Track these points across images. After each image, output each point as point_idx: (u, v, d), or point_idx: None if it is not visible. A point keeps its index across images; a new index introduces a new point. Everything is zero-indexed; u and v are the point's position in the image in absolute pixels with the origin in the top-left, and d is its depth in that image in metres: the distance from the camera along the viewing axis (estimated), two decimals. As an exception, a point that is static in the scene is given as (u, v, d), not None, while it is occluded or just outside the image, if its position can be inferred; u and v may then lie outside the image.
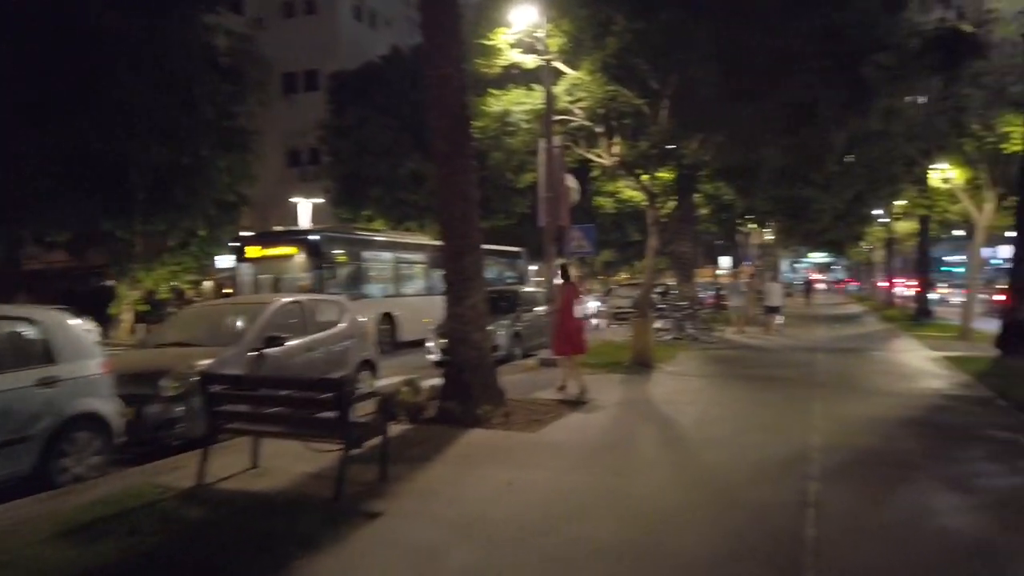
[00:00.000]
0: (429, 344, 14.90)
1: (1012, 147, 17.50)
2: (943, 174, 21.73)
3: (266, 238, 18.25)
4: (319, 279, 16.07)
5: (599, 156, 15.68)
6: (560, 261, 12.25)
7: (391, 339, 18.06)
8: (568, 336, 10.31)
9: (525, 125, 14.09)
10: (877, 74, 13.06)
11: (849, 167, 20.65)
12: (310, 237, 17.01)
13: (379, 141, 27.29)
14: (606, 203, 27.83)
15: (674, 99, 13.81)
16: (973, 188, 19.87)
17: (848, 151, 15.16)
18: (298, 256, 16.73)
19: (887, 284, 40.03)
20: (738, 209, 27.12)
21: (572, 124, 14.98)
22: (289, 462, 6.29)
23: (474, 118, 14.41)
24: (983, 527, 4.88)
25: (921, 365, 13.81)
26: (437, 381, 9.03)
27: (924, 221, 26.42)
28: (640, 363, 12.90)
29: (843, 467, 6.38)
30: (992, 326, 28.03)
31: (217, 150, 23.57)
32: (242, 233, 21.16)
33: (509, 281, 24.46)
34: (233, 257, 17.79)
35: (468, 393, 8.56)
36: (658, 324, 15.03)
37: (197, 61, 22.04)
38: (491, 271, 23.75)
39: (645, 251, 42.34)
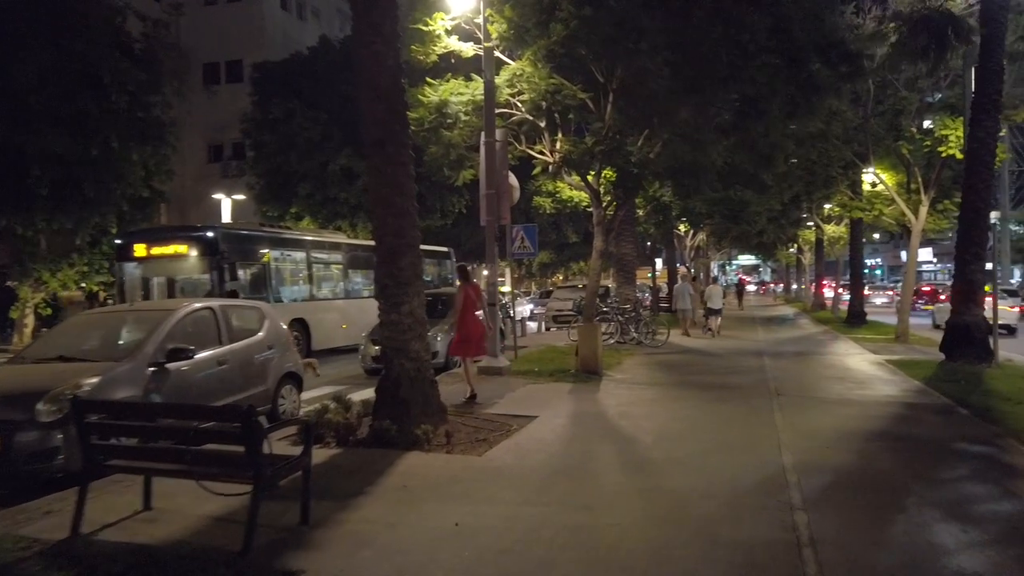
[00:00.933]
0: (362, 350, 13.84)
1: (949, 150, 17.62)
2: (875, 177, 21.96)
3: (155, 235, 16.43)
4: (217, 281, 14.42)
5: (542, 153, 14.94)
6: (460, 263, 11.52)
7: (304, 348, 16.73)
8: (467, 338, 10.15)
9: (464, 117, 13.23)
10: (826, 72, 12.75)
11: (789, 169, 20.57)
12: (206, 234, 15.11)
13: (307, 136, 25.88)
14: (545, 203, 27.23)
15: (620, 93, 13.21)
16: (911, 191, 20.02)
17: (790, 152, 14.87)
18: (192, 255, 14.92)
19: (816, 286, 40.74)
20: (676, 210, 27.00)
21: (513, 119, 14.19)
22: (190, 502, 5.23)
23: (409, 108, 13.54)
24: (1005, 570, 4.27)
25: (869, 370, 13.56)
26: (370, 395, 8.06)
27: (856, 224, 26.70)
28: (588, 371, 12.19)
29: (826, 493, 5.74)
30: (918, 323, 28.70)
31: (130, 141, 21.82)
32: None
33: (439, 283, 23.42)
34: (118, 257, 15.70)
35: (405, 411, 7.63)
36: (601, 328, 14.32)
37: (105, 45, 20.33)
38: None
39: (584, 253, 42.00)
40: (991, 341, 13.31)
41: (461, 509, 5.28)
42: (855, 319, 26.23)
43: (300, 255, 17.79)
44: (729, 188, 25.65)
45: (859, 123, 19.33)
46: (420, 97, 13.30)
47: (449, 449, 7.14)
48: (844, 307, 35.59)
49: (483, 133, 12.49)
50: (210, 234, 14.89)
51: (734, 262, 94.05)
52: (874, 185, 22.71)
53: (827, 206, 34.11)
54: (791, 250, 54.62)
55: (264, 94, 27.43)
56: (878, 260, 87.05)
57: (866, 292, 42.20)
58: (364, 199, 26.49)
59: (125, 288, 15.16)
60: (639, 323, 18.18)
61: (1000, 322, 28.05)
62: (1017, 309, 34.24)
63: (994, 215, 22.97)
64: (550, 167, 14.89)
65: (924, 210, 19.27)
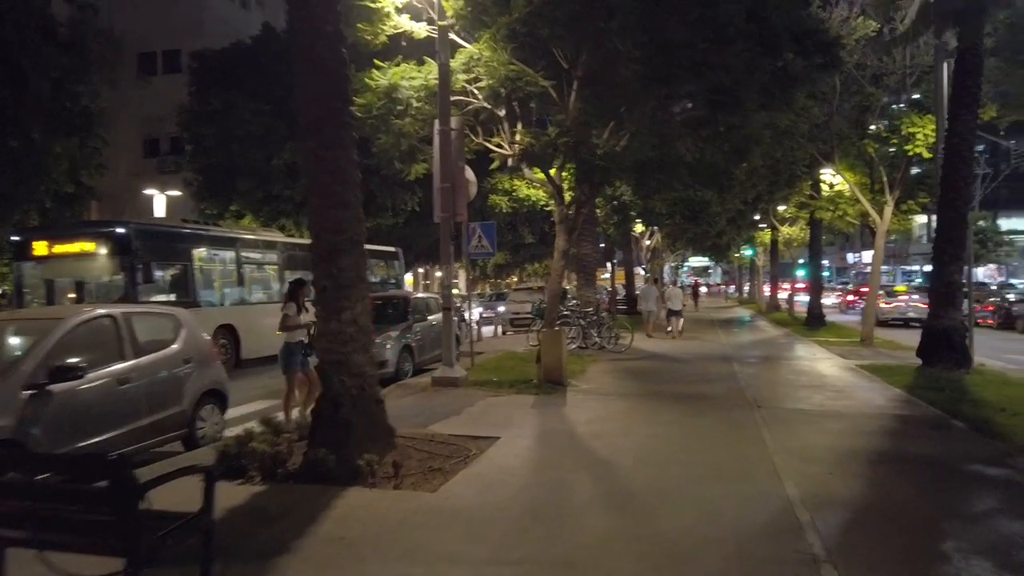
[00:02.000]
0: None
1: (916, 149, 17.19)
2: (833, 177, 21.55)
3: (58, 231, 14.61)
4: (131, 284, 12.89)
5: (500, 146, 13.90)
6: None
7: (232, 357, 15.35)
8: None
9: (416, 104, 12.10)
10: (801, 62, 12.00)
11: (753, 168, 19.96)
12: (116, 230, 13.40)
13: (248, 129, 24.33)
14: (502, 202, 26.27)
15: (586, 81, 12.25)
16: (874, 191, 19.59)
17: (766, 146, 14.13)
18: (100, 254, 13.24)
19: (772, 288, 40.66)
20: (636, 210, 26.27)
21: (470, 107, 13.12)
22: None
23: (356, 93, 12.34)
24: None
25: (844, 377, 12.89)
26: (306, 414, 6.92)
27: (815, 225, 26.37)
28: (551, 381, 11.19)
29: (848, 537, 4.83)
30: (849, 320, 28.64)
31: (53, 133, 20.12)
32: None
33: (386, 285, 22.15)
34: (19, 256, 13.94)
35: (346, 436, 6.49)
36: (565, 334, 13.35)
37: (25, 28, 18.62)
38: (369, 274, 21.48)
39: (541, 254, 41.03)
40: (969, 346, 12.79)
41: (412, 571, 4.20)
42: (814, 321, 25.88)
43: (229, 254, 16.29)
44: (699, 183, 25.04)
45: (824, 120, 18.80)
46: (368, 81, 12.12)
47: (397, 483, 6.03)
48: (799, 309, 35.51)
49: (437, 121, 11.39)
50: (121, 230, 13.26)
51: (686, 264, 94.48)
52: (832, 187, 22.34)
53: (781, 208, 34.02)
54: (746, 252, 54.78)
55: (202, 85, 25.77)
56: (825, 262, 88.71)
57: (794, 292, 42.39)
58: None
59: (23, 292, 13.46)
60: (602, 327, 17.29)
61: (912, 316, 29.55)
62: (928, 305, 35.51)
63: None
64: (509, 161, 13.86)
65: (889, 210, 18.85)
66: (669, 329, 21.29)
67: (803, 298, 41.39)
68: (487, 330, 24.18)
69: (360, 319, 6.82)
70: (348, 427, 6.56)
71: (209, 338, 8.42)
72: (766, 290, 54.34)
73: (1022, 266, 66.79)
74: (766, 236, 41.66)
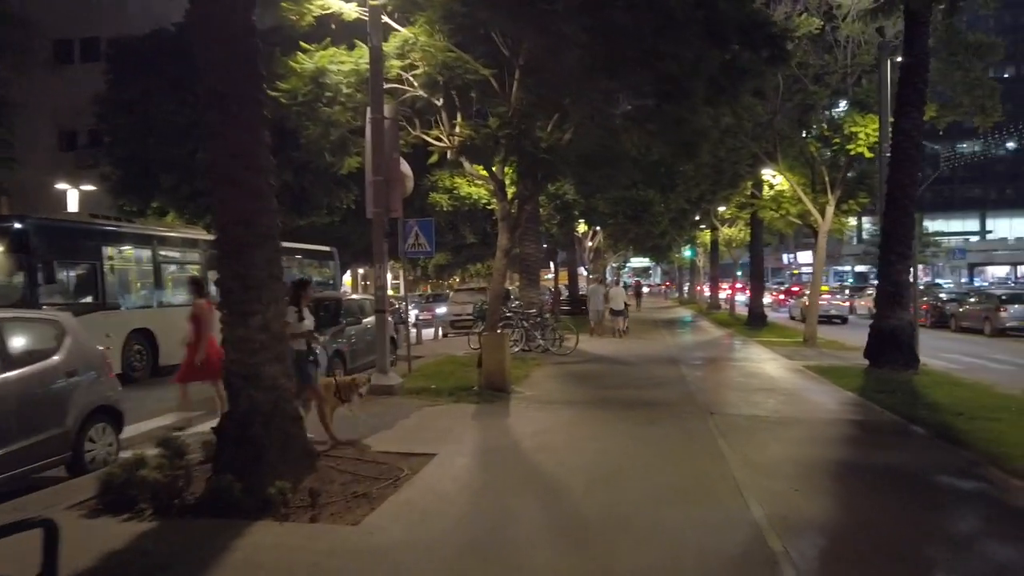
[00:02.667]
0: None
1: (858, 148, 17.14)
2: (774, 177, 21.51)
3: None
4: (30, 285, 11.64)
5: (439, 139, 13.12)
6: (195, 274, 9.76)
7: (149, 364, 14.17)
8: (208, 361, 9.04)
9: (346, 90, 11.21)
10: (749, 54, 11.60)
11: (698, 166, 19.69)
12: (13, 225, 12.13)
13: (171, 120, 22.82)
14: (442, 200, 25.43)
15: (528, 70, 11.59)
16: (816, 191, 19.54)
17: (715, 140, 13.75)
18: None
19: (712, 288, 40.93)
20: (578, 209, 25.82)
21: (405, 96, 12.30)
22: None
23: (280, 78, 11.40)
24: None
25: (793, 379, 12.56)
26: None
27: (756, 225, 26.43)
28: (493, 388, 10.47)
29: (830, 570, 4.26)
30: (782, 316, 28.96)
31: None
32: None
33: (321, 286, 21.04)
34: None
35: (256, 459, 5.64)
36: (508, 337, 12.65)
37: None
38: (293, 275, 20.31)
39: (483, 254, 40.32)
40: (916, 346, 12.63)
41: (319, 638, 3.41)
42: (756, 321, 25.91)
43: (145, 253, 15.03)
44: (645, 180, 24.75)
45: (768, 118, 18.62)
46: (293, 64, 11.18)
47: (314, 515, 5.20)
48: (740, 309, 35.73)
49: (369, 109, 10.54)
50: (18, 225, 11.94)
51: (628, 265, 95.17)
52: (771, 187, 22.32)
53: (721, 208, 34.17)
54: (686, 252, 55.21)
55: (120, 72, 24.12)
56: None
57: (735, 292, 42.97)
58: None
59: None
60: (546, 329, 16.67)
61: (834, 313, 30.63)
62: (848, 303, 36.66)
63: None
64: (448, 154, 13.08)
65: (831, 210, 18.80)
66: (617, 329, 21.49)
67: (741, 297, 42.06)
68: (428, 333, 23.28)
69: (273, 325, 5.96)
70: (258, 449, 5.70)
71: (103, 348, 7.37)
72: (706, 290, 55.10)
73: (947, 266, 69.55)
74: (706, 236, 41.97)
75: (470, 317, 22.18)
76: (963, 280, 65.57)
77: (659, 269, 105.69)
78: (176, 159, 23.41)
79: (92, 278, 13.50)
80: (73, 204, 24.53)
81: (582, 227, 33.55)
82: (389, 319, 14.72)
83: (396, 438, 7.69)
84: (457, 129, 12.23)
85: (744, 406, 9.80)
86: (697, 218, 35.49)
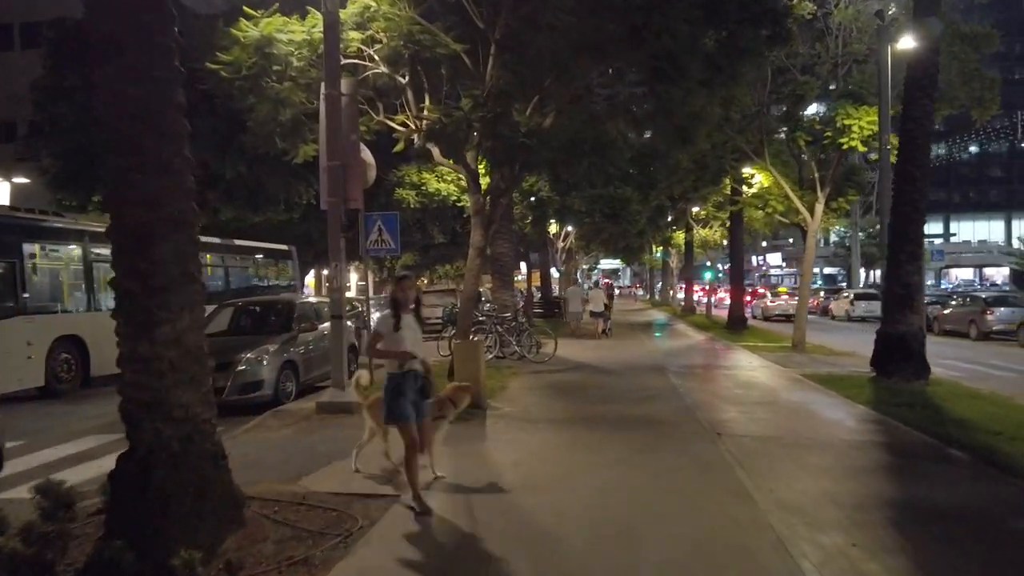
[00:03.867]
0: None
1: (851, 142, 16.17)
2: (756, 175, 20.58)
3: None
4: None
5: (404, 124, 11.80)
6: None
7: (79, 374, 12.62)
8: None
9: (297, 63, 9.82)
10: (749, 31, 10.49)
11: (679, 161, 18.62)
12: None
13: (116, 108, 21.08)
14: (409, 196, 24.03)
15: (505, 45, 10.32)
16: (804, 188, 18.60)
17: (713, 126, 12.60)
18: None
19: (686, 290, 40.05)
20: (553, 207, 24.62)
21: (366, 74, 10.96)
22: None
23: (221, 49, 9.98)
24: None
25: (796, 390, 11.45)
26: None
27: (736, 225, 25.47)
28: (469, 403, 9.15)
29: None
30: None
31: None
32: None
33: (278, 288, 19.54)
34: None
35: (162, 514, 4.29)
36: (483, 345, 11.35)
37: None
38: (248, 276, 18.80)
39: (451, 255, 38.98)
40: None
41: None
42: (736, 325, 24.94)
43: (75, 251, 13.43)
44: (637, 169, 23.66)
45: (756, 110, 17.62)
46: (235, 32, 9.76)
47: (232, 596, 3.87)
48: (718, 313, 34.91)
49: (323, 84, 9.16)
50: None
51: (598, 266, 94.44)
52: (750, 185, 21.38)
53: (696, 208, 33.29)
54: (657, 253, 54.36)
55: (60, 57, 22.28)
56: (729, 265, 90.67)
57: (721, 295, 42.32)
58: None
59: None
60: (522, 334, 15.40)
61: (791, 312, 29.83)
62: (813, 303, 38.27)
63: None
64: (416, 140, 11.75)
65: (820, 208, 17.85)
66: (601, 330, 21.48)
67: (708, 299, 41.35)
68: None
69: (187, 338, 4.60)
70: (163, 501, 4.35)
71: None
72: (679, 292, 54.34)
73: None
74: (680, 237, 41.10)
75: (439, 321, 20.81)
76: (929, 283, 65.91)
77: (628, 271, 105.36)
78: (120, 150, 21.68)
79: (10, 279, 11.89)
80: (4, 198, 22.63)
81: (553, 227, 32.41)
82: (349, 324, 13.34)
83: (348, 472, 6.35)
84: (425, 112, 10.90)
85: (752, 424, 8.62)
86: (670, 218, 34.56)
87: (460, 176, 25.08)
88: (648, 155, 11.46)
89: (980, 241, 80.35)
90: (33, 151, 24.42)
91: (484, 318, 15.61)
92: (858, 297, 35.88)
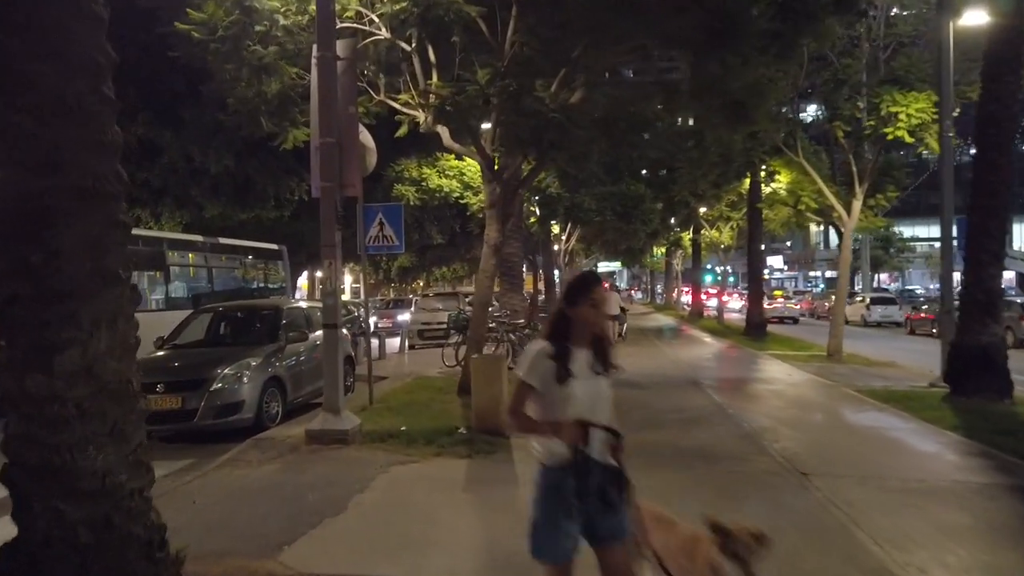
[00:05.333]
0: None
1: (897, 132, 14.69)
2: (776, 172, 19.13)
3: None
4: None
5: (409, 103, 10.27)
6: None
7: None
8: None
9: (284, 21, 8.27)
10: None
11: (703, 154, 17.13)
12: None
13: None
14: (408, 192, 22.47)
15: (528, 6, 8.79)
16: (838, 183, 17.13)
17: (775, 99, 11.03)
18: None
19: (694, 294, 38.54)
20: (563, 205, 23.10)
21: (367, 41, 9.42)
22: None
23: (194, 6, 8.42)
24: None
25: (860, 412, 9.90)
26: None
27: (755, 224, 23.93)
28: (488, 430, 7.61)
29: None
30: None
31: None
32: None
33: (267, 291, 17.92)
34: None
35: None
36: (505, 360, 9.74)
37: None
38: (233, 278, 17.19)
39: (449, 256, 37.47)
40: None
41: None
42: (755, 330, 23.41)
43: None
44: (681, 150, 22.22)
45: (789, 98, 16.14)
46: (210, -15, 8.20)
47: None
48: (729, 318, 33.51)
49: (315, 46, 7.60)
50: None
51: (596, 268, 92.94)
52: (775, 181, 19.91)
53: (702, 209, 31.78)
54: (657, 255, 52.89)
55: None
56: (729, 268, 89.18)
57: (723, 298, 41.05)
58: (171, 180, 20.46)
59: None
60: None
61: (786, 315, 31.50)
62: (800, 305, 39.52)
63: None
64: (421, 123, 10.21)
65: (858, 206, 16.36)
66: (617, 333, 20.05)
67: (712, 303, 40.03)
68: (392, 343, 20.15)
69: (103, 368, 3.05)
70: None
71: None
72: (684, 296, 52.88)
73: (917, 272, 68.55)
74: (686, 238, 39.57)
75: (441, 326, 19.23)
76: (932, 286, 64.62)
77: (625, 273, 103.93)
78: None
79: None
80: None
81: (555, 227, 30.89)
82: (345, 333, 11.79)
83: (347, 538, 4.79)
84: (433, 85, 9.35)
85: (836, 459, 7.08)
86: (672, 220, 33.04)
87: (463, 171, 23.64)
88: (689, 133, 9.76)
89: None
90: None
91: (494, 324, 14.04)
92: (874, 301, 34.54)
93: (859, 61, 15.59)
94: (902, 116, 14.54)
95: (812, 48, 11.43)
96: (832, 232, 68.88)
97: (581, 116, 8.63)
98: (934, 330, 25.91)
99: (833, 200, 16.58)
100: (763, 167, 18.74)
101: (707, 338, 24.16)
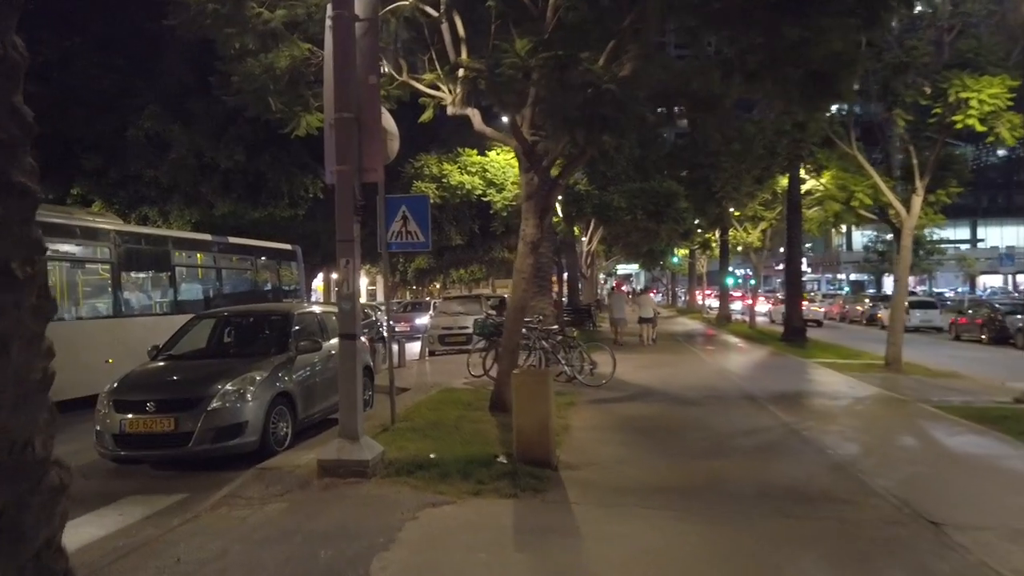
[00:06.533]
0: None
1: (967, 120, 13.33)
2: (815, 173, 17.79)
3: None
4: None
5: (436, 87, 9.12)
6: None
7: None
8: None
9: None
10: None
11: (749, 145, 15.84)
12: None
13: (96, 89, 18.54)
14: (429, 189, 21.32)
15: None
16: (897, 177, 15.79)
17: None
18: None
19: (723, 297, 37.11)
20: (591, 204, 21.86)
21: (389, 7, 8.26)
22: None
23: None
24: None
25: (955, 435, 8.58)
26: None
27: (795, 225, 22.53)
28: (532, 459, 6.40)
29: None
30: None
31: None
32: None
33: (280, 294, 16.81)
34: None
35: None
36: (550, 376, 8.49)
37: None
38: (244, 279, 16.11)
39: (468, 258, 36.46)
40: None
41: None
42: (795, 335, 22.06)
43: None
44: (648, 178, 21.22)
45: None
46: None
47: None
48: (763, 323, 32.18)
49: (330, 4, 6.42)
50: None
51: (615, 270, 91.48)
52: (816, 178, 18.56)
53: (731, 209, 30.39)
54: (676, 258, 51.35)
55: (33, 31, 19.71)
56: (748, 271, 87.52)
57: (749, 301, 39.68)
58: (180, 176, 19.46)
59: None
60: (571, 350, 12.59)
61: (811, 317, 28.24)
62: (824, 309, 39.24)
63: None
64: (450, 104, 9.04)
65: (918, 202, 14.98)
66: (641, 336, 20.67)
67: (735, 306, 38.75)
68: (411, 348, 18.95)
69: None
70: None
71: None
72: (708, 299, 51.41)
73: (945, 276, 66.51)
74: (712, 238, 38.11)
75: (463, 332, 18.05)
76: (960, 290, 62.69)
77: (643, 275, 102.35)
78: (102, 136, 19.15)
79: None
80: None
81: (577, 229, 29.66)
82: (363, 341, 10.63)
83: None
84: (463, 59, 8.16)
85: (965, 505, 5.76)
86: (696, 221, 31.66)
87: (486, 168, 22.48)
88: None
89: (1008, 247, 76.92)
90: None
91: (524, 331, 12.80)
92: (913, 305, 32.91)
93: (924, 43, 14.20)
94: (973, 103, 13.17)
95: (902, 14, 10.12)
96: (856, 234, 67.11)
97: (638, 89, 7.39)
98: (983, 336, 24.52)
99: (891, 196, 15.24)
100: (809, 162, 17.37)
101: (742, 344, 22.82)
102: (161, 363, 8.01)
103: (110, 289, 11.75)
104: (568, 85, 7.27)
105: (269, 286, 16.86)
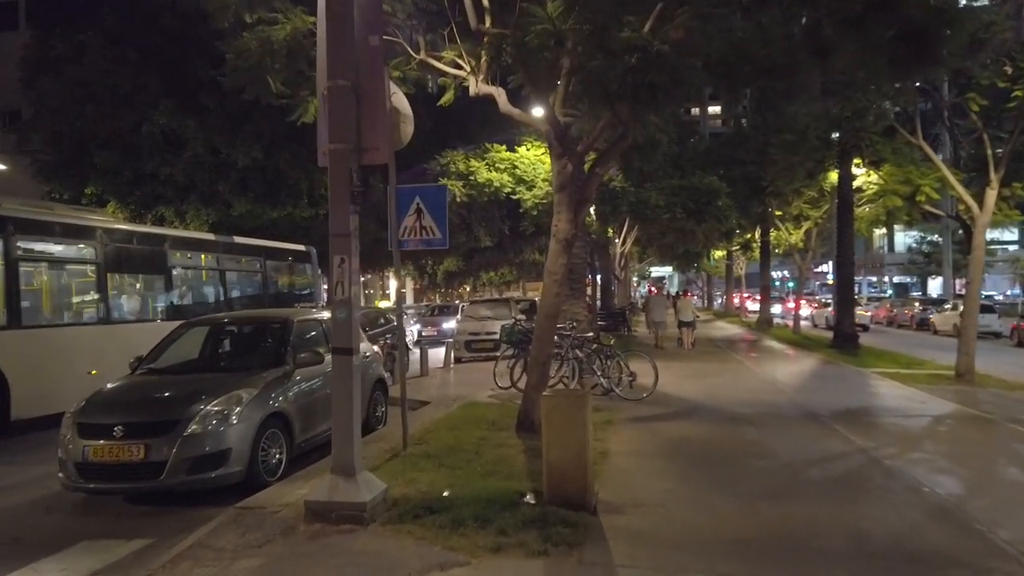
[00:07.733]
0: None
1: (1056, 105, 11.85)
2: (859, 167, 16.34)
3: None
4: None
5: (457, 65, 8.03)
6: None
7: None
8: None
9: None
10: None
11: (803, 136, 14.48)
12: None
13: (110, 83, 17.83)
14: (456, 187, 20.24)
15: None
16: (967, 170, 14.29)
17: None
18: None
19: (764, 300, 35.43)
20: (627, 202, 20.58)
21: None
22: None
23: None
24: None
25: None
26: None
27: (845, 223, 20.94)
28: (566, 501, 5.24)
29: None
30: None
31: None
32: None
33: (293, 298, 15.79)
34: None
35: None
36: (588, 399, 7.26)
37: None
38: (252, 282, 15.13)
39: (498, 260, 35.40)
40: None
41: None
42: (846, 342, 20.50)
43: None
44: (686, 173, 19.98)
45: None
46: None
47: None
48: (809, 327, 30.58)
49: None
50: None
51: (649, 272, 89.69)
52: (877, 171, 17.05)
53: (776, 209, 28.83)
54: (712, 260, 49.54)
55: (46, 25, 19.19)
56: (785, 273, 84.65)
57: (789, 305, 37.94)
58: (196, 175, 18.66)
59: None
60: (608, 360, 11.37)
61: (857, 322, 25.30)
62: (871, 313, 37.56)
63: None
64: (472, 84, 7.94)
65: (993, 196, 13.45)
66: (680, 339, 20.76)
67: (774, 309, 37.00)
68: (435, 354, 17.84)
69: None
70: None
71: None
72: (747, 302, 49.56)
73: (993, 278, 63.59)
74: (752, 238, 36.44)
75: (491, 337, 16.92)
76: (1010, 292, 59.80)
77: (676, 278, 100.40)
78: (116, 133, 18.44)
79: None
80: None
81: (611, 230, 28.38)
82: (376, 350, 9.59)
83: None
84: (487, 26, 7.04)
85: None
86: (733, 222, 30.17)
87: (515, 164, 21.35)
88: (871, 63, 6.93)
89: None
90: (23, 137, 21.18)
91: (557, 338, 11.62)
92: (970, 309, 31.11)
93: (1003, 17, 12.73)
94: (1061, 85, 11.71)
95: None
96: (900, 235, 64.59)
97: (693, 56, 6.18)
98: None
99: (961, 190, 13.75)
100: (868, 153, 15.89)
101: (789, 351, 21.32)
102: (138, 378, 7.00)
103: (95, 292, 10.81)
104: (609, 50, 6.09)
105: (280, 290, 15.88)
